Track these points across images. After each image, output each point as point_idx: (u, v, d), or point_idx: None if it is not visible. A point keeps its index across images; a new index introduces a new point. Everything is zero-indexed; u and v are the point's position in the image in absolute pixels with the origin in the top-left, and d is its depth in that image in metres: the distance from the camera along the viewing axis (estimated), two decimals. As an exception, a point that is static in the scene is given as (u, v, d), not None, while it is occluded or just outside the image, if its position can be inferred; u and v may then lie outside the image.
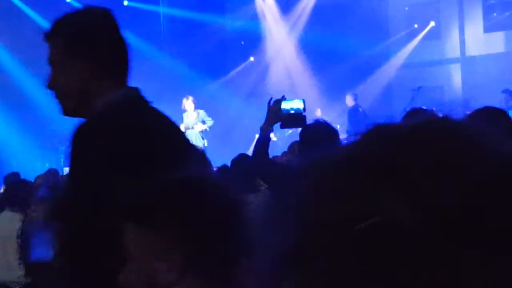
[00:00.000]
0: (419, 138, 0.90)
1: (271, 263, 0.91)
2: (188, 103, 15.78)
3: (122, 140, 2.47)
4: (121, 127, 2.53)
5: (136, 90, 2.80)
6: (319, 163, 0.94)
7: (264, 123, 5.21)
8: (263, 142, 5.21)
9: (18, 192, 7.03)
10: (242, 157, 7.28)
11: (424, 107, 14.62)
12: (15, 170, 12.26)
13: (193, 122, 15.50)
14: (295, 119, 5.23)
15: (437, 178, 0.85)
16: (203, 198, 1.92)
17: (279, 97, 5.29)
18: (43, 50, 2.93)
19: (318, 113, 16.48)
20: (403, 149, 0.88)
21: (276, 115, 5.20)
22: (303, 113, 5.25)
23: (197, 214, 1.88)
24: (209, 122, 15.81)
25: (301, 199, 0.91)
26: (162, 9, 21.63)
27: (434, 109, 10.77)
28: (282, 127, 5.35)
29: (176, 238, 1.84)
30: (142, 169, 2.24)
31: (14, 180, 7.65)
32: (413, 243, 0.81)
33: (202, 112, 15.87)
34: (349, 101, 17.61)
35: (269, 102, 5.23)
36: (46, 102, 18.90)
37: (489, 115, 4.74)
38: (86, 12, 2.93)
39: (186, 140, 2.96)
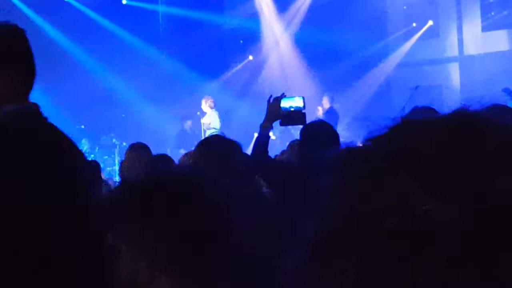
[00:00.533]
0: (453, 135, 0.88)
1: (299, 256, 0.91)
2: (208, 104, 15.69)
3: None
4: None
5: (34, 105, 2.81)
6: (353, 158, 0.94)
7: (264, 121, 5.21)
8: (263, 140, 5.20)
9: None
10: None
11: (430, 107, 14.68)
12: None
13: (218, 121, 15.44)
14: (295, 116, 5.24)
15: (475, 176, 0.82)
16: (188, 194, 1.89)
17: (279, 94, 5.30)
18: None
19: (320, 113, 16.47)
20: (437, 146, 0.87)
21: (276, 113, 5.21)
22: (303, 111, 5.25)
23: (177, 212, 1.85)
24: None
25: (338, 192, 0.91)
26: (160, 8, 21.61)
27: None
28: (282, 124, 5.34)
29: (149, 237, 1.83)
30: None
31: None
32: (448, 240, 0.80)
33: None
34: (326, 102, 17.40)
35: (268, 100, 5.24)
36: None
37: (501, 112, 4.75)
38: None
39: (79, 155, 2.92)
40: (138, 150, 6.41)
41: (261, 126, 5.22)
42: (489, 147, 0.85)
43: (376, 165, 0.90)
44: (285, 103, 5.22)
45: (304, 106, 5.26)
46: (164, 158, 5.59)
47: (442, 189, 0.82)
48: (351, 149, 0.97)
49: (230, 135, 14.54)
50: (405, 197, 0.83)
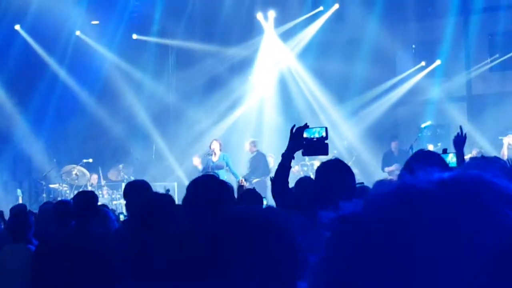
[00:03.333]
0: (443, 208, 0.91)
1: None
2: (215, 144, 15.90)
3: None
4: None
5: None
6: (349, 221, 0.98)
7: (286, 150, 5.19)
8: (284, 169, 5.18)
9: (23, 224, 6.99)
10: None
11: (429, 146, 14.59)
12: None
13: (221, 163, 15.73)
14: (318, 146, 5.21)
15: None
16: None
17: (302, 124, 5.28)
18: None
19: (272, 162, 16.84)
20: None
21: (298, 143, 5.18)
22: (326, 141, 5.23)
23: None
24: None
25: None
26: (169, 42, 21.77)
27: (439, 145, 10.67)
28: (304, 154, 5.31)
29: None
30: None
31: (19, 212, 7.59)
32: None
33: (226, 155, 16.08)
34: (249, 147, 17.30)
35: (291, 130, 5.22)
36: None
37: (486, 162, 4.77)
38: None
39: None
40: (138, 188, 6.40)
41: (283, 156, 5.19)
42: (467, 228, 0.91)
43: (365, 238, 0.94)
44: (308, 134, 5.20)
45: (327, 137, 5.24)
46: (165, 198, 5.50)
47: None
48: (343, 216, 0.99)
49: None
50: None
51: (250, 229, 1.95)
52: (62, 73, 20.27)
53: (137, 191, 6.28)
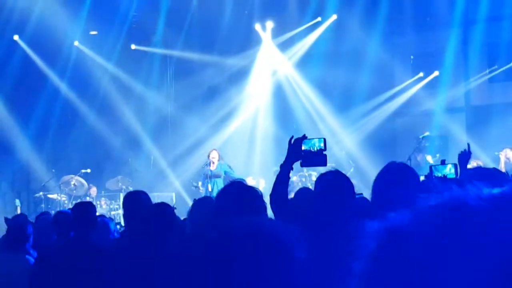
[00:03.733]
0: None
1: None
2: (214, 154, 16.03)
3: None
4: None
5: None
6: None
7: (284, 161, 5.20)
8: (283, 180, 5.19)
9: (21, 235, 6.99)
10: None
11: (428, 157, 14.58)
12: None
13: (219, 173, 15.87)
14: (316, 158, 5.22)
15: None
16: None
17: (300, 135, 5.30)
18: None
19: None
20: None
21: (297, 154, 5.19)
22: (324, 152, 5.24)
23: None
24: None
25: None
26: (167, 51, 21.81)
27: (437, 155, 10.66)
28: (302, 165, 5.32)
29: None
30: None
31: (17, 223, 7.58)
32: None
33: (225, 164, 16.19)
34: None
35: (290, 141, 5.24)
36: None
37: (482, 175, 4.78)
38: None
39: None
40: (135, 198, 6.40)
41: (281, 167, 5.20)
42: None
43: None
44: (306, 145, 5.21)
45: (325, 148, 5.25)
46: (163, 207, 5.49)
47: None
48: None
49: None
50: None
51: (251, 243, 1.97)
52: (61, 84, 20.31)
53: (135, 202, 6.28)
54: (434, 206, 0.98)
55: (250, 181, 16.97)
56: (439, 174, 5.48)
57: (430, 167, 5.65)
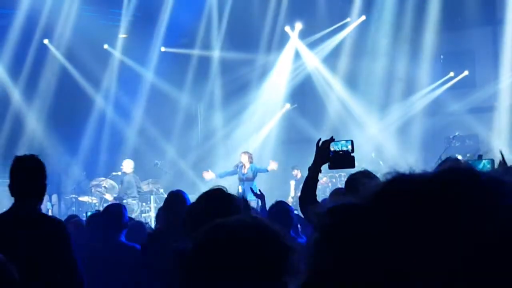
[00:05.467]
0: (433, 196, 0.95)
1: None
2: (244, 158, 16.12)
3: None
4: None
5: None
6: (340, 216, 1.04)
7: (313, 164, 5.22)
8: (311, 182, 5.21)
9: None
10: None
11: (459, 156, 14.51)
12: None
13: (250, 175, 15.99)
14: (344, 160, 5.21)
15: (441, 238, 0.91)
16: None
17: (328, 138, 5.31)
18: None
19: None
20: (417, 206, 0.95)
21: (325, 156, 5.21)
22: (352, 154, 5.25)
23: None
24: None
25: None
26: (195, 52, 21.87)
27: (468, 155, 10.47)
28: (330, 168, 5.32)
29: None
30: None
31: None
32: None
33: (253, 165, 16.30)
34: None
35: (317, 143, 5.25)
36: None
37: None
38: None
39: None
40: (173, 198, 6.42)
41: (310, 169, 5.22)
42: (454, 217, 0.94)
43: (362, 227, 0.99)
44: (334, 147, 5.22)
45: (352, 150, 5.25)
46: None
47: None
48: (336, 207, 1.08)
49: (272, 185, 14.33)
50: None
51: (238, 240, 2.04)
52: (90, 88, 20.48)
53: (178, 200, 6.26)
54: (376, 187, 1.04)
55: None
56: None
57: (466, 162, 5.55)
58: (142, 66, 21.05)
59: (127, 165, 17.13)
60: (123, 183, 16.99)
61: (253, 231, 2.07)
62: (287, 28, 21.13)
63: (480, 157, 5.67)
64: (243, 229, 2.07)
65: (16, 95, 19.42)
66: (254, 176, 16.00)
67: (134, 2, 20.06)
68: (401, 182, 1.00)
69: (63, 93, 19.76)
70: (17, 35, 18.78)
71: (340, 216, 1.02)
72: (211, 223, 2.14)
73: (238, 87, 21.46)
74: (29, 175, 4.89)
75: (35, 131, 19.50)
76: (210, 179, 16.31)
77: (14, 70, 19.16)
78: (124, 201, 15.84)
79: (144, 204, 17.42)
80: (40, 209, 5.05)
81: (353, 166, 5.25)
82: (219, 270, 1.99)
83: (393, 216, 0.95)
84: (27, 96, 19.53)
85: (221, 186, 3.84)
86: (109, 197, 16.95)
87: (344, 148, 5.25)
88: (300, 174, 18.28)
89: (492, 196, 0.94)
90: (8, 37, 18.75)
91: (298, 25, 20.94)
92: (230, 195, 3.85)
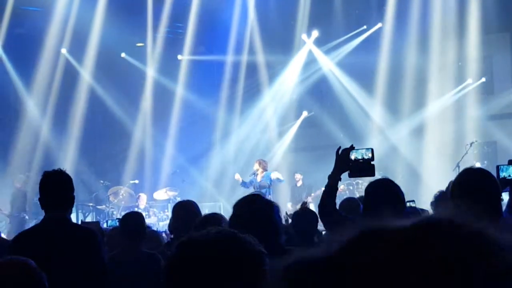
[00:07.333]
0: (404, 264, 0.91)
1: None
2: (257, 166, 16.15)
3: None
4: None
5: None
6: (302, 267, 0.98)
7: (332, 172, 5.22)
8: (331, 190, 5.21)
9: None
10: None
11: (477, 164, 14.39)
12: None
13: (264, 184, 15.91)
14: (364, 168, 5.21)
15: None
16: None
17: (348, 146, 5.31)
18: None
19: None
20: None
21: (345, 164, 5.21)
22: (372, 162, 5.24)
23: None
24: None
25: None
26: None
27: (485, 162, 10.38)
28: (350, 176, 5.33)
29: None
30: None
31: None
32: None
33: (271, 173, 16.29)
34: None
35: (337, 151, 5.25)
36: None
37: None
38: None
39: None
40: (184, 207, 6.43)
41: (329, 177, 5.22)
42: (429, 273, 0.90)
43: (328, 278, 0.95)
44: (354, 155, 5.22)
45: (373, 158, 5.25)
46: (217, 216, 5.50)
47: None
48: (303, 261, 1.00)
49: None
50: None
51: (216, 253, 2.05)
52: (107, 96, 20.53)
53: (186, 211, 6.31)
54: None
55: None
56: (505, 175, 5.33)
57: (497, 166, 5.41)
58: (159, 74, 21.10)
59: (142, 201, 17.27)
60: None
61: (225, 244, 2.07)
62: (304, 36, 21.15)
63: (510, 163, 5.51)
64: (214, 243, 2.07)
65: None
66: (270, 184, 15.97)
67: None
68: (369, 240, 0.97)
69: (77, 99, 19.88)
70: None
71: (300, 276, 0.99)
72: (183, 238, 2.15)
73: (253, 93, 21.55)
74: (59, 188, 5.07)
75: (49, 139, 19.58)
76: (237, 179, 16.36)
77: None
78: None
79: (161, 212, 17.45)
80: (70, 219, 5.16)
81: (373, 174, 5.24)
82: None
83: (355, 279, 0.93)
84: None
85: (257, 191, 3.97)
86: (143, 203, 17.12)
87: (365, 157, 5.24)
88: (301, 181, 18.52)
89: (476, 260, 0.90)
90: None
91: (315, 33, 20.96)
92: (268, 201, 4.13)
